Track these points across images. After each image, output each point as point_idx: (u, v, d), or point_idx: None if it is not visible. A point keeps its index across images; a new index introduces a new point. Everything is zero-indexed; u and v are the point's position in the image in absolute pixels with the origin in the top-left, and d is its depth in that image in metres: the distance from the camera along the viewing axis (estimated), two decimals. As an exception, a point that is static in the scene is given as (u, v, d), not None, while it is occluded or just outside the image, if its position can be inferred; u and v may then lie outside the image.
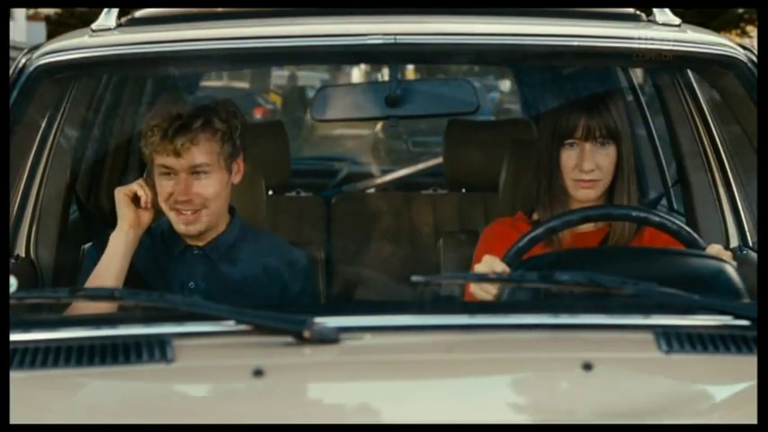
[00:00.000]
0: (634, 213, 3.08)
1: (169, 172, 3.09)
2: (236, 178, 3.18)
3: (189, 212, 3.11)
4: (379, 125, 9.48)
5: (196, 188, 3.09)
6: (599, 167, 3.18)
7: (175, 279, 3.18)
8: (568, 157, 3.19)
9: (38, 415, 2.13)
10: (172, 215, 3.13)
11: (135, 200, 3.10)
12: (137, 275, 3.13)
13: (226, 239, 3.22)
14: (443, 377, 2.27)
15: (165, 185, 3.10)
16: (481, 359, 2.35)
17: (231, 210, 3.25)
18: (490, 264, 2.83)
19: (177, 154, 3.06)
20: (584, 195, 3.20)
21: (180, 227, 3.14)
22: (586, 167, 3.16)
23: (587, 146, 3.18)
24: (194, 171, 3.08)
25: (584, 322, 2.41)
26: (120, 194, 3.10)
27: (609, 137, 3.18)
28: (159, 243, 3.23)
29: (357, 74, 20.72)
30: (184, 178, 3.08)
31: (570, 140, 3.18)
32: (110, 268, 3.06)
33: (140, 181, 3.15)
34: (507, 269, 2.81)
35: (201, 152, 3.08)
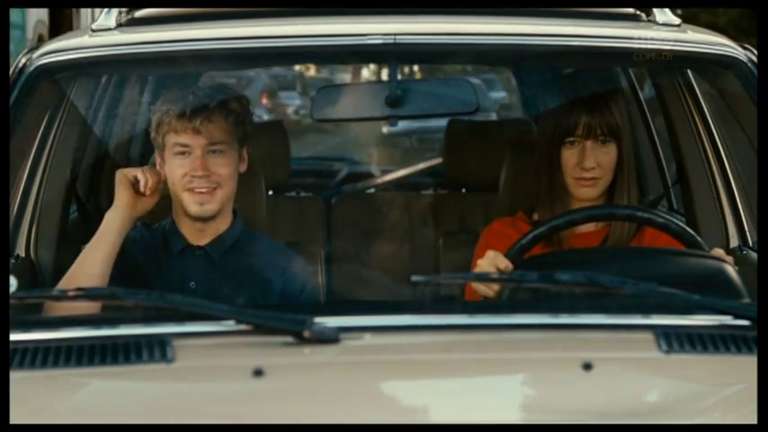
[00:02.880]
0: (638, 214, 3.08)
1: (184, 151, 3.11)
2: (243, 167, 3.20)
3: (204, 190, 3.11)
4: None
5: (212, 166, 3.11)
6: (600, 165, 3.18)
7: (176, 278, 3.18)
8: (569, 155, 3.19)
9: (38, 415, 2.14)
10: (185, 196, 3.12)
11: (135, 184, 3.11)
12: (137, 274, 3.13)
13: (228, 239, 3.22)
14: (443, 377, 2.27)
15: (179, 165, 3.11)
16: (481, 359, 2.35)
17: (233, 210, 3.26)
18: (493, 259, 2.83)
19: (196, 131, 3.09)
20: (584, 194, 3.20)
21: (194, 208, 3.13)
22: (587, 165, 3.17)
23: (588, 143, 3.18)
24: (210, 149, 3.11)
25: (584, 322, 2.41)
26: (120, 175, 3.12)
27: (610, 135, 3.19)
28: (160, 242, 3.23)
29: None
30: (200, 155, 3.10)
31: (571, 138, 3.18)
32: (99, 248, 3.05)
33: (143, 168, 3.17)
34: (510, 264, 2.80)
35: (218, 130, 3.11)
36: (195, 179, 3.11)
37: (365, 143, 10.61)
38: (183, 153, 3.11)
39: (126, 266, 3.11)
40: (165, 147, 3.14)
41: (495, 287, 2.80)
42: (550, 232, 2.95)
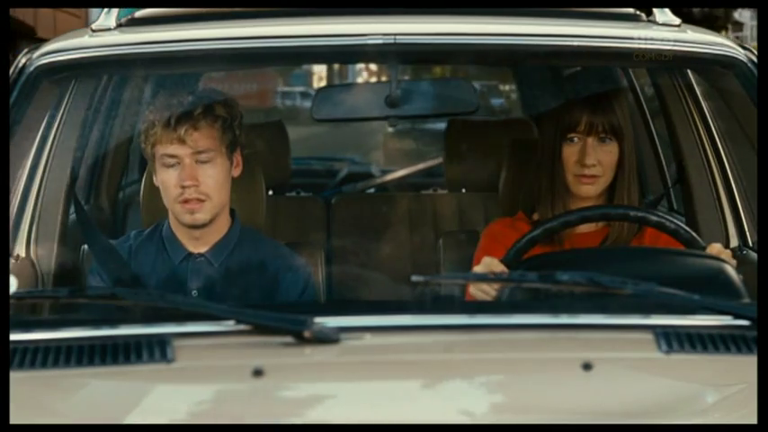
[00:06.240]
0: (632, 213, 3.09)
1: (173, 162, 3.11)
2: (236, 171, 3.20)
3: (194, 200, 3.11)
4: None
5: (201, 175, 3.11)
6: (600, 163, 3.19)
7: (178, 287, 3.17)
8: (570, 152, 3.20)
9: (38, 415, 2.14)
10: (177, 208, 3.13)
11: None
12: (139, 284, 3.12)
13: (227, 243, 3.22)
14: (443, 377, 2.27)
15: (169, 176, 3.11)
16: (481, 359, 2.35)
17: (232, 213, 3.25)
18: (489, 266, 2.83)
19: (181, 141, 3.09)
20: (585, 192, 3.20)
21: (186, 217, 3.13)
22: (588, 162, 3.17)
23: (589, 141, 3.19)
24: (198, 158, 3.10)
25: (584, 322, 2.41)
26: None
27: (611, 133, 3.19)
28: (161, 251, 3.22)
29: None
30: (189, 164, 3.10)
31: (572, 135, 3.19)
32: None
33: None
34: (506, 270, 2.81)
35: (204, 137, 3.10)
36: (186, 189, 3.11)
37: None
38: (171, 164, 3.11)
39: (128, 277, 3.11)
40: (154, 158, 3.15)
41: (493, 293, 2.80)
42: (545, 235, 2.96)
